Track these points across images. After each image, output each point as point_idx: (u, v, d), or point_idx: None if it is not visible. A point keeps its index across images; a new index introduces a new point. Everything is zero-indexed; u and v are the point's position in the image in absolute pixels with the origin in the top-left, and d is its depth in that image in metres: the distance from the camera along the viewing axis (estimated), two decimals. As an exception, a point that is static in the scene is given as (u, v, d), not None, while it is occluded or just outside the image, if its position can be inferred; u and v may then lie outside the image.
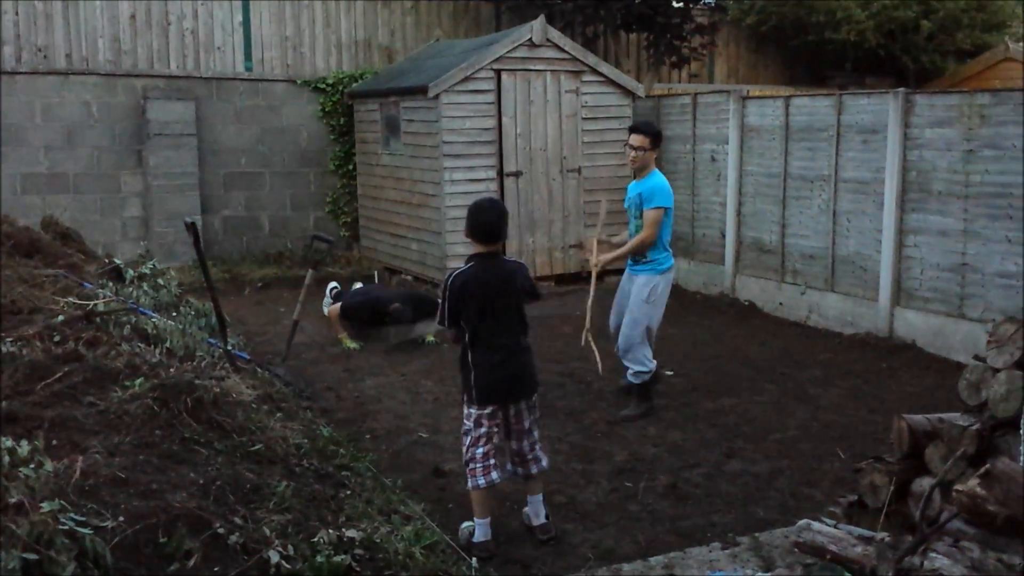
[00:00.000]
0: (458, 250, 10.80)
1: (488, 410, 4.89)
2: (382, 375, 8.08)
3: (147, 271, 8.26)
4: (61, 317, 5.82)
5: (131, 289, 7.64)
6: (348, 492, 4.62)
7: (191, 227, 6.66)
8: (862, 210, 9.26)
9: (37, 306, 6.06)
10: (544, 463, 5.13)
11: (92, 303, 6.31)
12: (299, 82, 12.92)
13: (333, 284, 10.17)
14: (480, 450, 4.88)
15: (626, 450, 6.29)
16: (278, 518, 3.79)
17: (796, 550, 4.29)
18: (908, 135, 8.77)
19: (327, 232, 11.70)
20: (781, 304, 10.14)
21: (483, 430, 4.89)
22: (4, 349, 5.27)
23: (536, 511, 5.10)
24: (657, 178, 6.85)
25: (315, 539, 3.72)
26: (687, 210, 11.19)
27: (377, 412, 7.10)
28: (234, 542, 3.49)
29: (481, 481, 4.86)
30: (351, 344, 8.87)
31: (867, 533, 4.11)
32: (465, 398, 4.96)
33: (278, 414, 5.59)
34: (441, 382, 7.84)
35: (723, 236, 10.83)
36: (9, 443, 3.71)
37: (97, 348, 5.41)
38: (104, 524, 3.33)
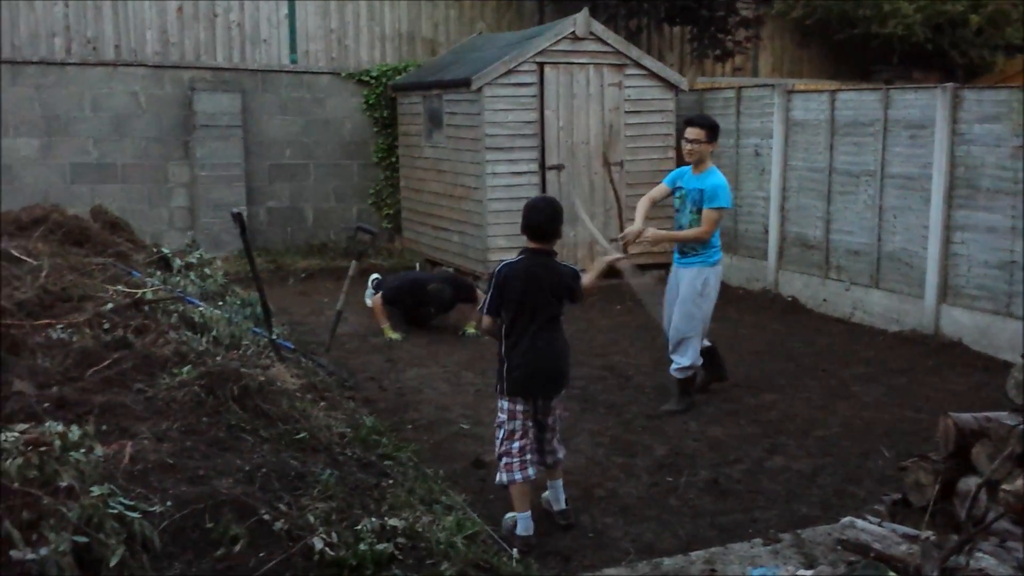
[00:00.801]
0: (499, 243, 10.81)
1: (519, 404, 4.92)
2: (423, 366, 8.12)
3: (194, 260, 8.37)
4: (110, 305, 5.92)
5: (178, 278, 7.74)
6: (390, 481, 4.66)
7: (238, 218, 6.72)
8: (908, 206, 9.14)
9: (87, 294, 6.16)
10: (560, 455, 5.15)
11: (141, 291, 6.40)
12: (343, 75, 12.98)
13: (375, 275, 10.23)
14: (516, 444, 4.91)
15: (666, 445, 6.27)
16: (322, 505, 3.83)
17: (839, 548, 4.25)
18: (956, 130, 8.64)
19: (370, 224, 11.75)
20: (825, 300, 10.04)
21: (517, 423, 4.92)
22: (55, 336, 5.37)
23: (556, 496, 5.15)
24: (718, 176, 6.78)
25: (358, 527, 3.75)
26: (730, 205, 11.11)
27: (418, 403, 7.13)
28: (279, 528, 3.53)
29: (518, 476, 4.89)
30: (393, 335, 8.92)
31: (912, 532, 4.07)
32: (498, 389, 4.99)
33: (321, 403, 5.64)
34: (482, 374, 7.85)
35: (766, 231, 10.74)
36: (60, 428, 3.78)
37: (145, 336, 5.50)
38: (152, 508, 3.39)
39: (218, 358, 5.28)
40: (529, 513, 4.91)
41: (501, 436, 4.94)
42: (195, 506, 3.46)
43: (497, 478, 4.96)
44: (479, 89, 10.59)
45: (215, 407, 4.48)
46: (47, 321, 5.53)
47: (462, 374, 7.87)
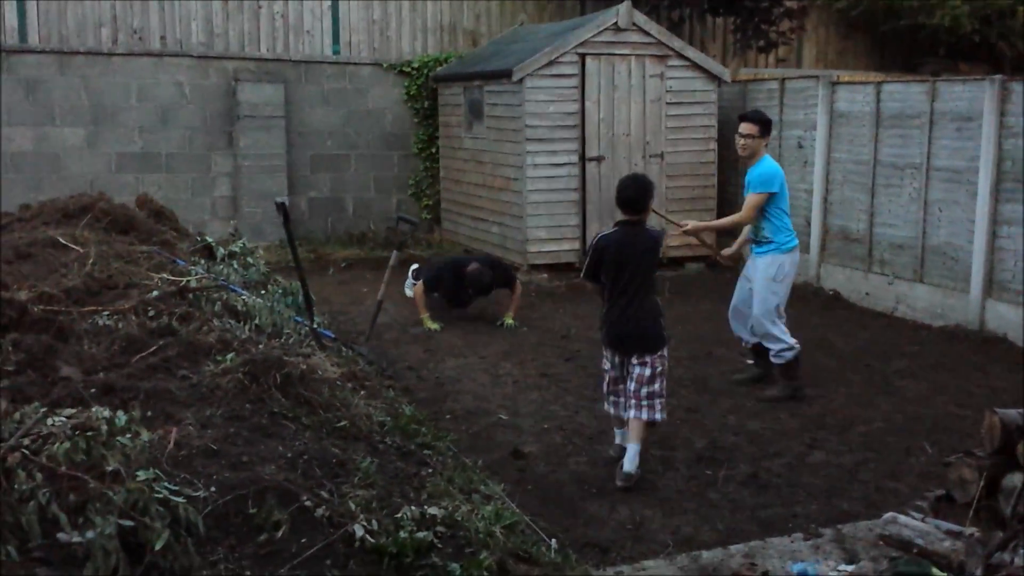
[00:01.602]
0: (539, 234, 10.81)
1: (608, 356, 5.69)
2: (462, 356, 8.14)
3: (237, 249, 8.43)
4: (156, 293, 6.00)
5: (221, 267, 7.81)
6: (430, 470, 4.68)
7: (282, 207, 6.78)
8: (954, 199, 9.01)
9: (133, 281, 6.25)
10: (644, 415, 5.53)
11: (185, 279, 6.47)
12: (385, 66, 13.03)
13: (415, 265, 10.27)
14: (604, 385, 5.79)
15: (706, 438, 6.24)
16: (363, 493, 3.86)
17: (881, 543, 4.22)
18: (1004, 123, 8.50)
19: (409, 214, 11.80)
20: (867, 294, 9.93)
21: (608, 368, 5.72)
22: (101, 322, 5.45)
23: (629, 458, 5.53)
24: (764, 164, 6.98)
25: (398, 515, 3.78)
26: (772, 197, 11.01)
27: (457, 393, 7.16)
28: (320, 515, 3.56)
29: (613, 410, 5.77)
30: (432, 325, 8.95)
31: (955, 528, 4.03)
32: (602, 342, 5.79)
33: (362, 392, 5.67)
34: (520, 365, 7.86)
35: (808, 224, 10.64)
36: (107, 413, 3.83)
37: (189, 323, 5.56)
38: (196, 493, 3.43)
39: (260, 346, 5.33)
40: (623, 430, 5.75)
41: (605, 379, 5.77)
42: (238, 492, 3.50)
43: None
44: (520, 80, 10.58)
45: (258, 394, 4.52)
46: (93, 308, 5.61)
47: (500, 365, 7.88)
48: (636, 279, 5.53)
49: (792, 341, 7.00)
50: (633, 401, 5.55)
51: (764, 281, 6.98)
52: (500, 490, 4.99)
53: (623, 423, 5.75)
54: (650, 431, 5.72)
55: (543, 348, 8.41)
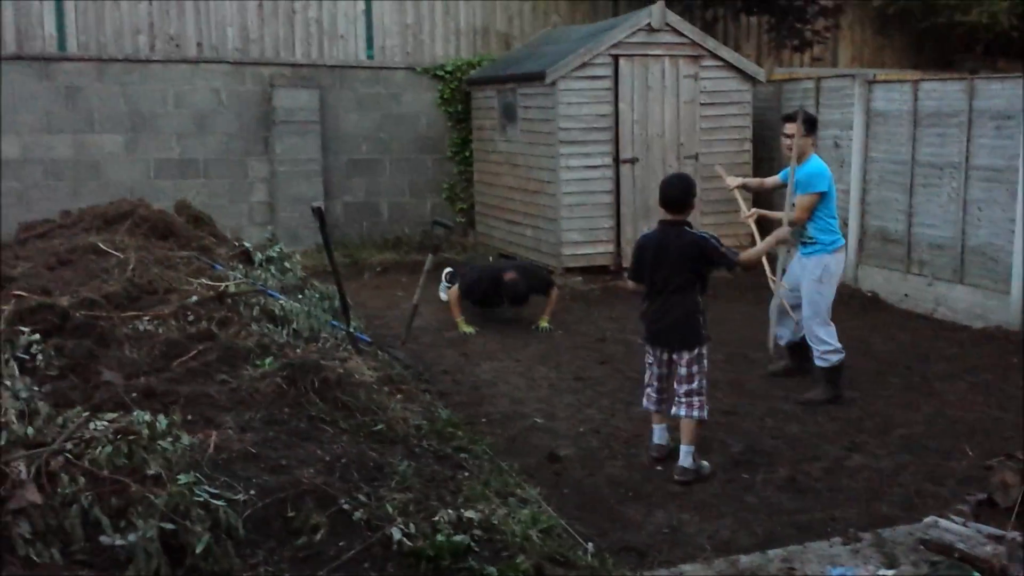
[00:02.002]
0: (573, 237, 10.81)
1: (655, 352, 5.80)
2: (497, 360, 8.15)
3: (274, 254, 8.49)
4: (195, 298, 6.06)
5: (259, 271, 7.87)
6: (466, 474, 4.70)
7: (318, 212, 6.82)
8: (994, 199, 8.90)
9: (172, 287, 6.32)
10: (683, 412, 5.67)
11: (224, 284, 6.53)
12: (419, 70, 13.08)
13: (449, 269, 10.29)
14: (646, 381, 5.90)
15: (743, 441, 6.21)
16: (400, 496, 3.89)
17: (921, 548, 4.18)
18: (1046, 121, 8.38)
19: (444, 218, 11.83)
20: (906, 296, 9.83)
21: (654, 368, 5.84)
22: (142, 327, 5.52)
23: (682, 455, 5.66)
24: (813, 164, 7.00)
25: (435, 518, 3.80)
26: (808, 198, 10.93)
27: (493, 396, 7.17)
28: (358, 518, 3.60)
29: (652, 407, 5.90)
30: (467, 329, 8.97)
31: (997, 532, 3.98)
32: (643, 339, 5.98)
33: (398, 396, 5.70)
34: (556, 368, 7.86)
35: (846, 225, 10.53)
36: (148, 417, 3.88)
37: (228, 328, 5.62)
38: (236, 497, 3.47)
39: (298, 350, 5.38)
40: (662, 425, 5.89)
41: (647, 375, 5.91)
42: (277, 495, 3.53)
43: None
44: (553, 83, 10.59)
45: (296, 398, 4.56)
46: (134, 313, 5.68)
47: (536, 368, 7.88)
48: (672, 278, 5.62)
49: (838, 345, 6.98)
50: (680, 400, 5.71)
51: (810, 283, 7.00)
52: (536, 494, 5.00)
53: (662, 419, 5.91)
54: (698, 430, 5.74)
55: (578, 351, 8.41)
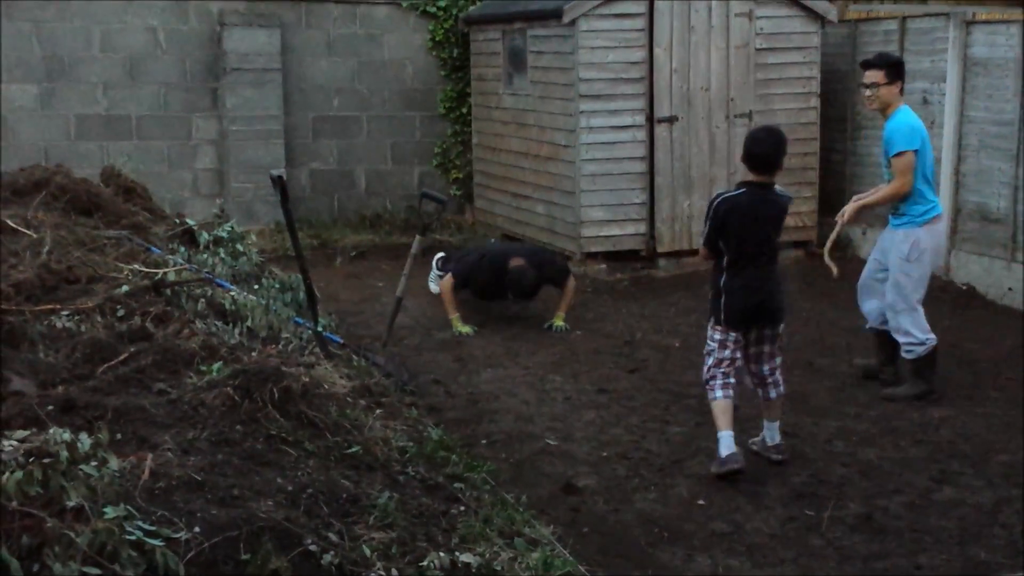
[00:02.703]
0: (596, 214, 10.80)
1: (733, 334, 6.10)
2: (501, 367, 8.16)
3: (224, 234, 8.49)
4: (125, 288, 6.06)
5: (206, 256, 7.88)
6: (462, 508, 4.71)
7: (278, 182, 6.82)
8: (1122, 169, 8.88)
9: (97, 274, 6.32)
10: (783, 389, 6.31)
11: (161, 272, 6.54)
12: (405, 5, 13.05)
13: (441, 254, 10.29)
14: (720, 369, 6.13)
15: (806, 469, 6.22)
16: (379, 536, 3.89)
17: (1029, 603, 4.18)
18: None
19: (436, 190, 11.82)
20: (1010, 289, 9.81)
21: (727, 353, 6.13)
22: (60, 324, 5.52)
23: (772, 435, 6.27)
24: (900, 116, 7.21)
25: (423, 563, 3.81)
26: (889, 167, 10.92)
27: (495, 412, 7.17)
28: (328, 562, 3.60)
29: (719, 393, 6.08)
30: (463, 328, 8.98)
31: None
32: (712, 320, 6.22)
33: (378, 411, 5.71)
34: (573, 377, 7.87)
35: (935, 201, 10.54)
36: (67, 436, 3.87)
37: (167, 325, 5.62)
38: (177, 535, 3.46)
39: (254, 353, 5.38)
40: (730, 433, 6.00)
41: (709, 363, 6.18)
42: (228, 533, 3.53)
43: (708, 396, 6.20)
44: (573, 22, 10.57)
45: (251, 413, 4.56)
46: (50, 306, 5.69)
47: (548, 378, 7.89)
48: (764, 248, 6.08)
49: (927, 335, 7.23)
50: (770, 380, 6.25)
51: (896, 262, 7.25)
52: (549, 533, 5.01)
53: (732, 418, 6.10)
54: (781, 407, 6.40)
55: (601, 357, 8.42)
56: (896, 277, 7.26)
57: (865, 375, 7.73)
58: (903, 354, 7.33)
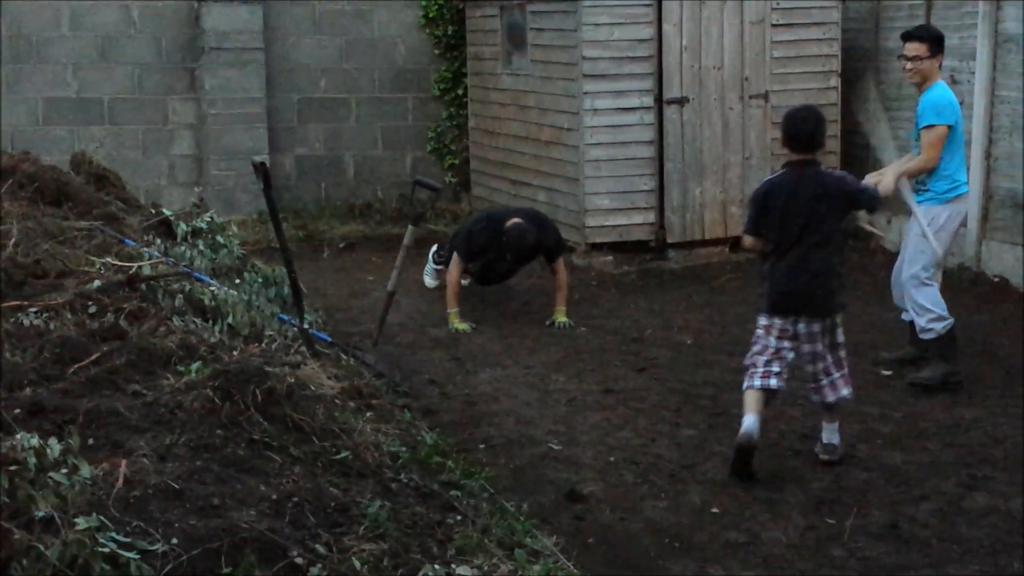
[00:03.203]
0: (601, 202, 10.79)
1: (777, 322, 6.20)
2: (500, 366, 8.16)
3: (203, 225, 8.50)
4: (98, 283, 6.05)
5: (183, 248, 7.88)
6: (458, 517, 4.71)
7: (261, 169, 6.81)
8: None
9: (68, 268, 6.31)
10: (844, 393, 6.30)
11: (136, 265, 6.53)
12: (396, -21, 13.06)
13: (436, 245, 10.26)
14: (763, 357, 6.22)
15: (827, 475, 6.21)
16: (370, 547, 3.89)
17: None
18: None
19: (430, 177, 11.81)
20: (1045, 281, 9.81)
21: (771, 340, 6.22)
22: (27, 322, 5.52)
23: (829, 436, 6.33)
24: (936, 90, 7.52)
25: (418, 576, 3.80)
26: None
27: (494, 415, 7.17)
28: (316, 575, 3.59)
29: (757, 383, 6.17)
30: (461, 325, 8.96)
31: None
32: (758, 305, 6.43)
33: (368, 413, 5.72)
34: (578, 377, 7.86)
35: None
36: (36, 441, 3.88)
37: (143, 323, 5.62)
38: (153, 547, 3.47)
39: (235, 352, 5.38)
40: (753, 416, 6.07)
41: (753, 350, 6.28)
42: (208, 544, 3.54)
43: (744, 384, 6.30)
44: (576, -4, 10.57)
45: (233, 416, 4.56)
46: (16, 303, 5.68)
47: (551, 378, 7.89)
48: (810, 231, 6.12)
49: (944, 311, 7.47)
50: (825, 382, 6.27)
51: (915, 238, 7.48)
52: (551, 544, 5.01)
53: (761, 408, 6.19)
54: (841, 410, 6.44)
55: (607, 355, 8.41)
56: (914, 254, 7.50)
57: (900, 363, 7.90)
58: (921, 336, 7.55)
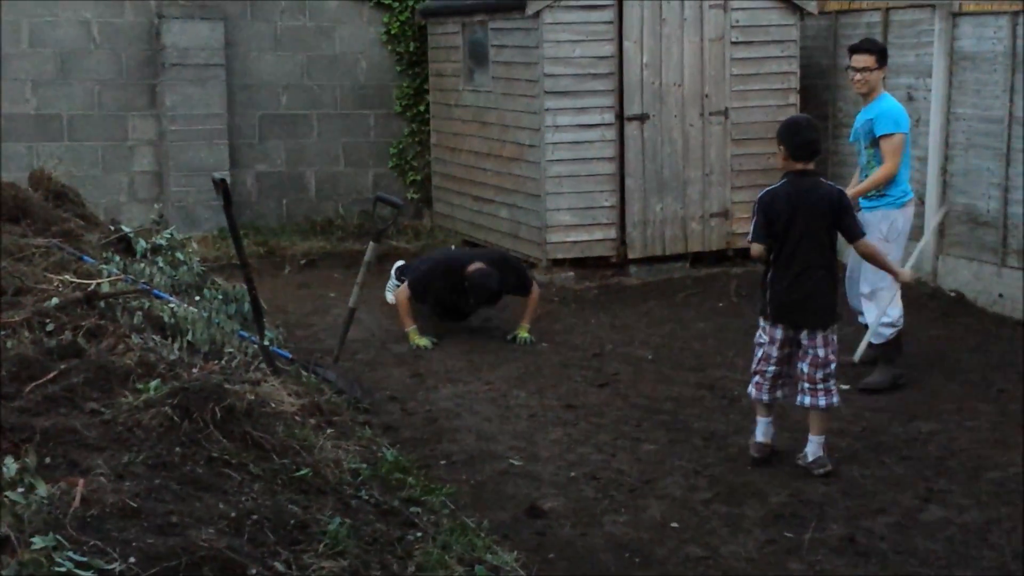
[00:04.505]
0: (563, 218, 10.83)
1: (779, 330, 6.40)
2: (461, 382, 8.17)
3: (163, 242, 8.49)
4: (55, 300, 6.02)
5: (143, 265, 7.85)
6: (419, 534, 4.71)
7: (221, 185, 6.81)
8: (1117, 169, 9.00)
9: (25, 286, 6.27)
10: (822, 401, 6.41)
11: (95, 283, 6.50)
12: (357, -4, 13.07)
13: (399, 262, 10.28)
14: (770, 369, 6.47)
15: (785, 488, 6.25)
16: (330, 564, 3.88)
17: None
18: None
19: (391, 194, 11.82)
20: (1001, 296, 9.90)
21: (774, 348, 6.43)
22: (-16, 340, 5.48)
23: (814, 450, 6.43)
24: (889, 101, 7.95)
25: (378, 593, 3.80)
26: (873, 167, 11.01)
27: (455, 431, 7.18)
28: (275, 594, 3.59)
29: (765, 396, 6.51)
30: (421, 341, 8.97)
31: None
32: (760, 311, 6.56)
33: (329, 430, 5.70)
34: (539, 393, 7.88)
35: (922, 202, 10.61)
36: (-8, 460, 3.86)
37: (101, 341, 5.58)
38: (111, 567, 3.45)
39: (195, 370, 5.36)
40: (766, 419, 6.54)
41: (758, 356, 6.53)
42: (166, 563, 3.52)
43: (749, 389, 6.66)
44: (537, 14, 10.61)
45: (191, 434, 4.54)
46: (-27, 321, 5.64)
47: (512, 393, 7.91)
48: (810, 241, 6.30)
49: (896, 316, 7.83)
50: (808, 386, 6.40)
51: (876, 242, 7.45)
52: (512, 560, 5.01)
53: (770, 412, 6.56)
54: (827, 420, 6.54)
55: (569, 370, 8.44)
56: (873, 275, 7.70)
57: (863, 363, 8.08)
58: (872, 339, 7.86)
